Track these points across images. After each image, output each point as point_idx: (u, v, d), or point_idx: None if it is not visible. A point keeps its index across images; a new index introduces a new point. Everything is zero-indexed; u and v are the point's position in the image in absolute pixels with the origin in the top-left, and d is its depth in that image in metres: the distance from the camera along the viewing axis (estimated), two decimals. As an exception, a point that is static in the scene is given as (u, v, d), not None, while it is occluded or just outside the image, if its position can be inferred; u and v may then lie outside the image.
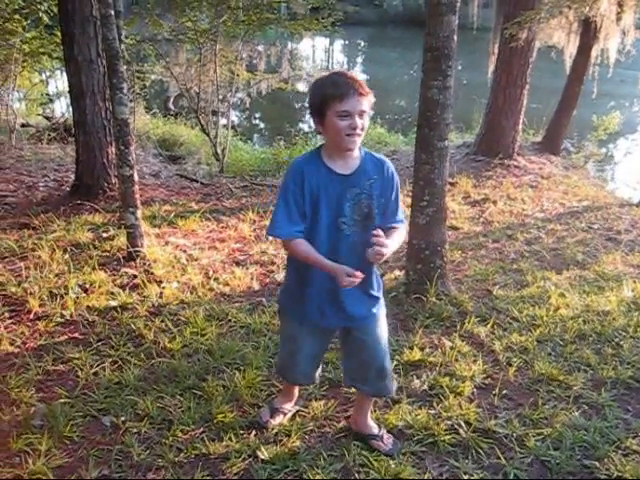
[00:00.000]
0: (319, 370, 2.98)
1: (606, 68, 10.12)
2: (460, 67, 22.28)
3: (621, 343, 3.90)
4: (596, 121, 11.01)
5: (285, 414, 3.04)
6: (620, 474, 2.74)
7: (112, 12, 4.34)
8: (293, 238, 2.40)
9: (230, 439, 2.88)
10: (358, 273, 2.32)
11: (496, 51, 9.01)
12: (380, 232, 2.29)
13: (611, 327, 4.10)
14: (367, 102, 2.30)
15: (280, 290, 2.87)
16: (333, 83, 2.29)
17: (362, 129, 2.30)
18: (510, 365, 3.58)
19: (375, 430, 2.92)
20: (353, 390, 3.08)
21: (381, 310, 2.70)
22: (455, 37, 3.90)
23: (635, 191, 8.41)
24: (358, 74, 2.65)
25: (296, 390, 3.09)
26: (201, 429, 2.96)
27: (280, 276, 4.73)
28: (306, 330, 2.67)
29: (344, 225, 2.42)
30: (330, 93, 2.27)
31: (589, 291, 4.67)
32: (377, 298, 2.66)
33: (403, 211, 2.61)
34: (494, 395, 3.29)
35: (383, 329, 2.72)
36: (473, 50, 19.83)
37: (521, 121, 8.91)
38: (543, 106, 10.95)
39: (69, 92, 6.42)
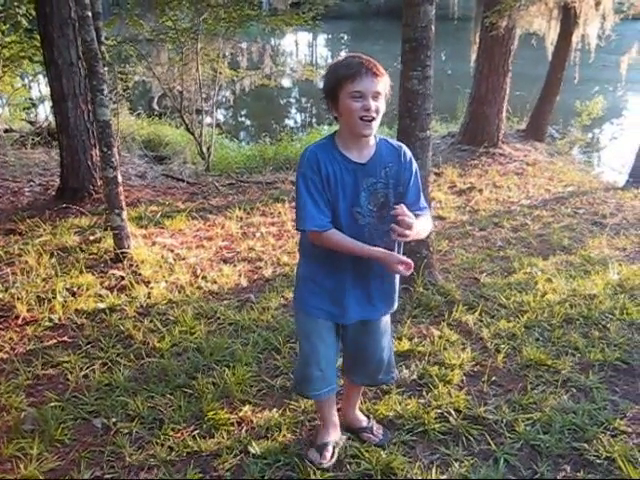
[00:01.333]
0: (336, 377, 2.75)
1: (588, 54, 10.16)
2: (443, 57, 22.36)
3: (608, 326, 3.93)
4: (579, 107, 11.04)
5: (333, 447, 2.75)
6: (609, 454, 2.77)
7: (89, 14, 4.33)
8: (328, 229, 2.27)
9: (221, 436, 2.89)
10: (410, 261, 2.23)
11: (477, 40, 9.03)
12: (403, 208, 2.17)
13: (598, 310, 4.12)
14: (382, 84, 2.21)
15: (296, 287, 2.63)
16: (346, 64, 2.22)
17: (377, 112, 2.20)
18: (498, 352, 3.61)
19: (364, 422, 2.91)
20: (342, 382, 3.02)
21: (391, 309, 2.63)
22: (433, 27, 3.91)
23: (620, 175, 8.43)
24: None
25: (335, 416, 2.82)
26: (192, 427, 2.97)
27: (268, 272, 4.75)
28: (326, 326, 2.52)
29: (359, 215, 2.33)
30: (342, 74, 2.20)
31: (575, 275, 4.70)
32: (394, 300, 2.59)
33: (425, 200, 2.49)
34: (483, 382, 3.31)
35: (388, 323, 2.67)
36: (456, 40, 19.85)
37: (505, 109, 8.95)
38: (527, 93, 10.95)
39: (50, 96, 6.41)
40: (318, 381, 2.60)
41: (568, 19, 9.12)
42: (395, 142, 2.45)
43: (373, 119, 2.20)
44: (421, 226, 2.29)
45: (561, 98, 9.97)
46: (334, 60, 2.36)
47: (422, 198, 2.45)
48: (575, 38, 9.42)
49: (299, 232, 2.46)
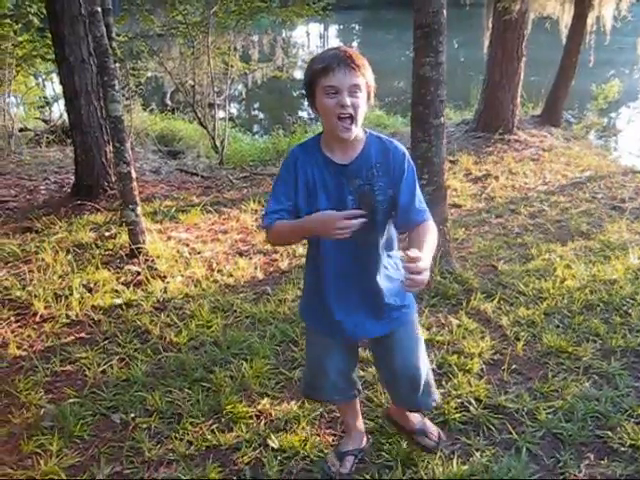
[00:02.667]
0: (358, 385, 2.65)
1: (603, 36, 10.02)
2: (456, 44, 22.17)
3: (629, 311, 3.87)
4: (595, 90, 10.90)
5: (355, 456, 2.65)
6: (633, 442, 2.73)
7: (99, 9, 4.32)
8: (271, 226, 2.12)
9: (240, 429, 2.88)
10: (356, 212, 1.95)
11: (490, 26, 8.93)
12: (414, 254, 1.86)
13: (618, 296, 4.06)
14: (360, 77, 1.97)
15: (300, 301, 2.57)
16: (320, 57, 2.03)
17: (355, 109, 1.97)
18: (518, 339, 3.56)
19: (418, 424, 2.68)
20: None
21: (410, 318, 2.38)
22: (444, 12, 3.86)
23: (638, 158, 8.33)
24: None
25: (360, 425, 2.73)
26: (211, 421, 2.96)
27: (284, 264, 4.73)
28: (330, 338, 2.35)
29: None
30: (315, 68, 1.99)
31: (595, 261, 4.63)
32: (402, 306, 2.31)
33: (423, 201, 2.20)
34: (503, 370, 3.28)
35: (413, 335, 2.40)
36: (468, 26, 19.71)
37: (519, 95, 8.83)
38: (541, 78, 10.84)
39: (63, 93, 6.40)
40: (327, 390, 2.50)
41: (582, 1, 8.98)
42: (386, 138, 2.20)
43: (350, 116, 1.98)
44: (429, 252, 2.02)
45: (576, 82, 9.84)
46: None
47: (418, 199, 2.17)
48: (590, 20, 9.27)
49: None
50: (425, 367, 2.44)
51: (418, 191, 2.19)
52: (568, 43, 9.38)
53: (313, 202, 2.12)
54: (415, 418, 2.68)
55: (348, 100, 1.96)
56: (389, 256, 2.26)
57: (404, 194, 2.14)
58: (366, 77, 2.01)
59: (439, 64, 3.92)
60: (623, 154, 9.40)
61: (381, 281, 2.23)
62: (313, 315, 2.39)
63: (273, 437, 2.80)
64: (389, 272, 2.25)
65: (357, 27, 34.63)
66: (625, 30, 10.80)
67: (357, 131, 2.05)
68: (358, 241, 2.08)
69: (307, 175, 2.12)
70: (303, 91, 2.12)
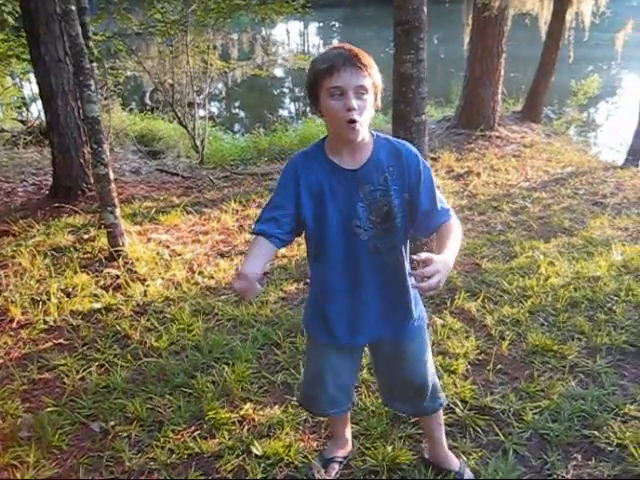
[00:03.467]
0: (354, 397, 2.60)
1: (582, 32, 10.06)
2: (436, 41, 22.20)
3: (614, 308, 3.86)
4: (575, 86, 10.94)
5: (340, 463, 2.60)
6: (620, 441, 2.70)
7: (73, 8, 4.22)
8: (257, 234, 2.05)
9: (222, 436, 2.82)
10: (246, 274, 1.92)
11: (470, 22, 8.92)
12: (422, 257, 1.78)
13: (603, 293, 4.05)
14: (367, 77, 1.87)
15: (304, 309, 2.43)
16: (324, 57, 1.91)
17: (361, 111, 1.86)
18: (503, 339, 3.53)
19: (456, 466, 2.54)
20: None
21: (423, 325, 2.30)
22: (425, 8, 3.82)
23: (619, 153, 8.35)
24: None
25: (347, 432, 2.67)
26: (192, 428, 2.90)
27: (266, 265, 4.65)
28: (332, 349, 2.26)
29: (359, 229, 2.01)
30: (319, 68, 1.88)
31: (578, 258, 4.62)
32: (412, 311, 2.22)
33: (443, 200, 2.10)
34: (488, 370, 3.24)
35: (423, 344, 2.31)
36: (448, 23, 19.73)
37: (500, 91, 8.84)
38: (521, 75, 10.88)
39: (39, 94, 6.30)
40: (325, 403, 2.41)
41: (561, -3, 9.02)
42: (395, 140, 2.08)
43: (359, 122, 1.87)
44: (453, 252, 1.92)
45: (556, 78, 9.87)
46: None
47: (439, 200, 2.06)
48: (569, 17, 9.31)
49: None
50: (432, 373, 2.37)
51: (438, 192, 2.08)
52: (547, 39, 9.41)
53: (321, 212, 2.01)
54: (454, 460, 2.56)
55: (354, 102, 1.85)
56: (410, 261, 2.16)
57: (424, 199, 2.03)
58: (373, 77, 1.90)
59: (420, 61, 3.89)
60: (603, 149, 9.44)
61: (404, 288, 2.15)
62: (320, 326, 2.24)
63: (256, 443, 2.74)
64: (409, 278, 2.13)
65: (337, 24, 34.54)
66: (602, 26, 10.85)
67: (364, 133, 1.94)
68: (377, 247, 2.03)
69: (311, 184, 2.00)
70: (306, 93, 2.01)
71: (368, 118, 1.92)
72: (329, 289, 2.15)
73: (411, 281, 1.87)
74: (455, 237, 2.00)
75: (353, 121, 1.86)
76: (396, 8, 3.83)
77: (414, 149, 2.06)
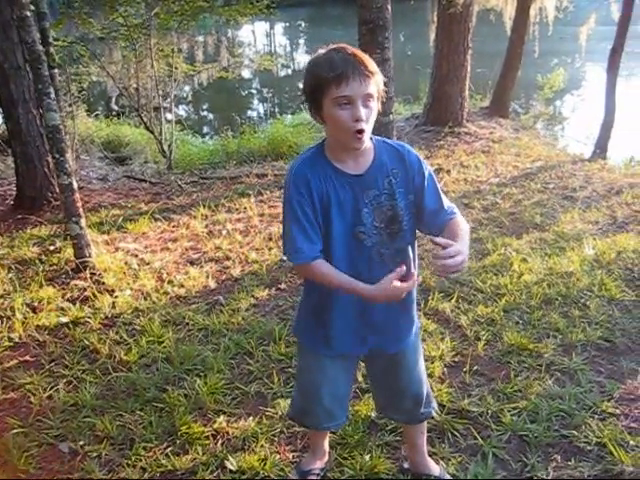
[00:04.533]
0: (348, 410, 2.49)
1: (546, 27, 10.13)
2: (402, 38, 22.26)
3: (587, 304, 3.85)
4: (541, 80, 11.02)
5: (318, 475, 2.52)
6: (599, 440, 2.68)
7: (28, 13, 4.11)
8: (315, 258, 1.94)
9: (196, 451, 2.74)
10: (405, 270, 1.83)
11: (435, 19, 8.94)
12: (445, 242, 1.79)
13: (576, 288, 4.04)
14: (374, 84, 1.83)
15: (296, 318, 2.33)
16: (329, 62, 1.81)
17: (368, 120, 1.83)
18: (479, 339, 3.50)
19: (436, 471, 2.50)
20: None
21: (417, 331, 2.27)
22: (389, 7, 3.79)
23: (586, 146, 8.42)
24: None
25: (326, 444, 2.59)
26: (165, 444, 2.81)
27: (236, 271, 4.59)
28: (330, 360, 2.19)
29: (363, 235, 1.96)
30: (325, 76, 1.80)
31: (551, 253, 4.61)
32: (414, 319, 2.22)
33: (445, 198, 2.07)
34: (465, 372, 3.21)
35: (419, 351, 2.31)
36: (414, 20, 19.83)
37: (467, 87, 8.88)
38: (488, 70, 10.92)
39: (-1, 102, 6.15)
40: (322, 416, 2.32)
41: (525, -8, 9.07)
42: (396, 143, 2.06)
43: (365, 131, 1.83)
44: (467, 241, 1.92)
45: (522, 73, 9.94)
46: (315, 55, 1.91)
47: (444, 200, 2.04)
48: (533, 11, 9.39)
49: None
50: (425, 379, 2.35)
51: (441, 192, 2.05)
52: (512, 34, 9.47)
53: (327, 219, 1.95)
54: (434, 466, 2.52)
55: (362, 112, 1.80)
56: None
57: (431, 200, 2.01)
58: (378, 84, 1.85)
59: (386, 60, 3.86)
60: (571, 142, 9.50)
61: (408, 296, 2.06)
62: (318, 336, 2.16)
63: (231, 458, 2.67)
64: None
65: (303, 24, 34.52)
66: (565, 20, 10.95)
67: (368, 140, 1.90)
68: (381, 253, 1.98)
69: (322, 192, 1.93)
70: (303, 96, 1.94)
71: (372, 124, 1.88)
72: (332, 298, 2.06)
73: (438, 262, 1.78)
74: (464, 231, 1.97)
75: (361, 132, 1.82)
76: (360, 7, 3.80)
77: (413, 150, 2.04)
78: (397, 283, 1.82)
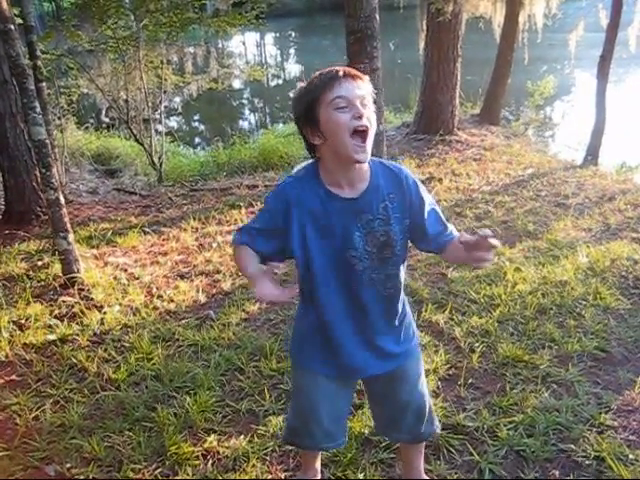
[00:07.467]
0: (346, 429, 2.39)
1: (535, 34, 10.13)
2: (392, 47, 22.29)
3: (582, 313, 3.80)
4: (531, 87, 11.02)
5: None
6: (597, 453, 2.63)
7: (12, 27, 4.06)
8: (237, 244, 1.99)
9: (186, 472, 2.68)
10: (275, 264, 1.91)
11: (425, 27, 8.93)
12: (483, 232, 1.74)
13: (571, 297, 4.00)
14: (365, 87, 1.79)
15: (291, 337, 2.25)
16: (318, 77, 1.80)
17: (370, 122, 1.76)
18: (473, 351, 3.44)
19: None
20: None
21: (416, 342, 2.22)
22: (377, 16, 3.75)
23: (577, 152, 8.39)
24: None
25: (318, 462, 2.49)
26: (154, 465, 2.75)
27: (227, 284, 4.53)
28: (327, 378, 2.11)
29: (355, 260, 1.90)
30: (317, 85, 1.78)
31: (544, 262, 4.56)
32: (413, 335, 2.18)
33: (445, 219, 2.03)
34: (460, 386, 3.15)
35: (420, 363, 2.25)
36: (403, 29, 19.85)
37: (457, 95, 8.86)
38: (478, 78, 10.91)
39: (-15, 116, 6.09)
40: (320, 436, 2.23)
41: (513, 0, 9.07)
42: (391, 164, 1.99)
43: (366, 131, 1.75)
44: None
45: (512, 80, 9.94)
46: (297, 88, 1.90)
47: (444, 221, 2.01)
48: (522, 19, 9.39)
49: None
50: (427, 393, 2.27)
51: (441, 213, 2.02)
52: (502, 42, 9.48)
53: (316, 243, 1.89)
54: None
55: (362, 110, 1.75)
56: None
57: (432, 223, 1.97)
58: (369, 91, 1.80)
59: (374, 70, 3.82)
60: (562, 149, 9.48)
61: (403, 312, 2.08)
62: (312, 355, 2.10)
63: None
64: (405, 303, 2.11)
65: (293, 34, 34.59)
66: (553, 27, 10.96)
67: (369, 155, 1.81)
68: (372, 278, 1.93)
69: (302, 214, 1.88)
70: (296, 125, 1.88)
71: (373, 133, 1.80)
72: (332, 313, 1.99)
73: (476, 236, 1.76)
74: None
75: (364, 130, 1.75)
76: (348, 17, 3.76)
77: (411, 173, 1.98)
78: (273, 289, 1.84)
